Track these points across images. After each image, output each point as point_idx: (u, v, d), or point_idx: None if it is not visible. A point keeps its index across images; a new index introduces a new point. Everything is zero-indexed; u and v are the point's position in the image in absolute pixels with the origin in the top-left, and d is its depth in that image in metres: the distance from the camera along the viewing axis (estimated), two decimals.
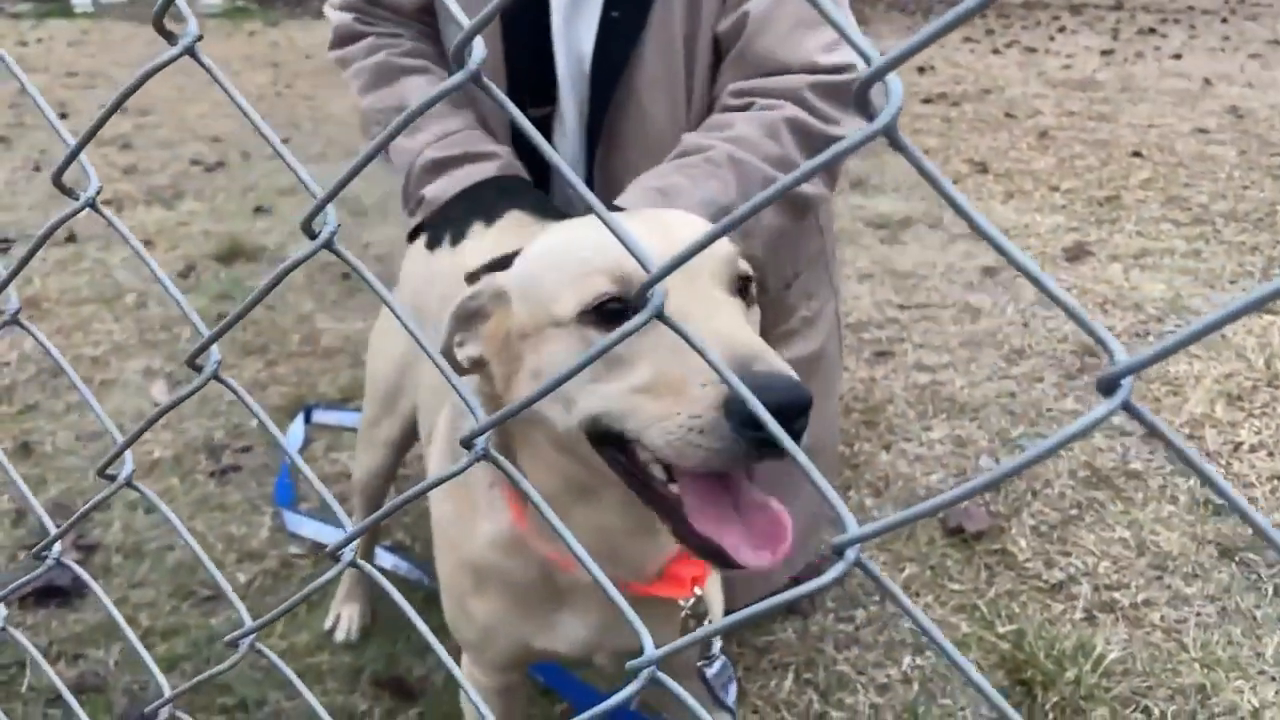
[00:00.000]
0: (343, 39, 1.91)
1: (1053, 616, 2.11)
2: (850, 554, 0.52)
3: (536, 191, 1.71)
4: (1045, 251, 4.10)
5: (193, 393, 0.90)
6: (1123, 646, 2.02)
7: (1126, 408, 0.43)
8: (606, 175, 1.77)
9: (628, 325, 0.57)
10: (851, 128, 1.73)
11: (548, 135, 1.82)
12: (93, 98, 7.37)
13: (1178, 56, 8.52)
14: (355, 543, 0.78)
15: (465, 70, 0.58)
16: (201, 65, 0.69)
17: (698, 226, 1.07)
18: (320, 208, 0.64)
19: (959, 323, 3.47)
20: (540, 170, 1.84)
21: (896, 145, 0.45)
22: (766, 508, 0.98)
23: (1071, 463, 2.61)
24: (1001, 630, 2.06)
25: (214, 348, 0.86)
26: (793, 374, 0.83)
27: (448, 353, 1.05)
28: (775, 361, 0.84)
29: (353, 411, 2.93)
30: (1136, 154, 5.41)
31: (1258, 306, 0.38)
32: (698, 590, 1.27)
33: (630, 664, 0.65)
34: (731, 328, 0.90)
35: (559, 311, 0.96)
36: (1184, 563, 2.24)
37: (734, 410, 0.83)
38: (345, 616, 2.15)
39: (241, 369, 3.21)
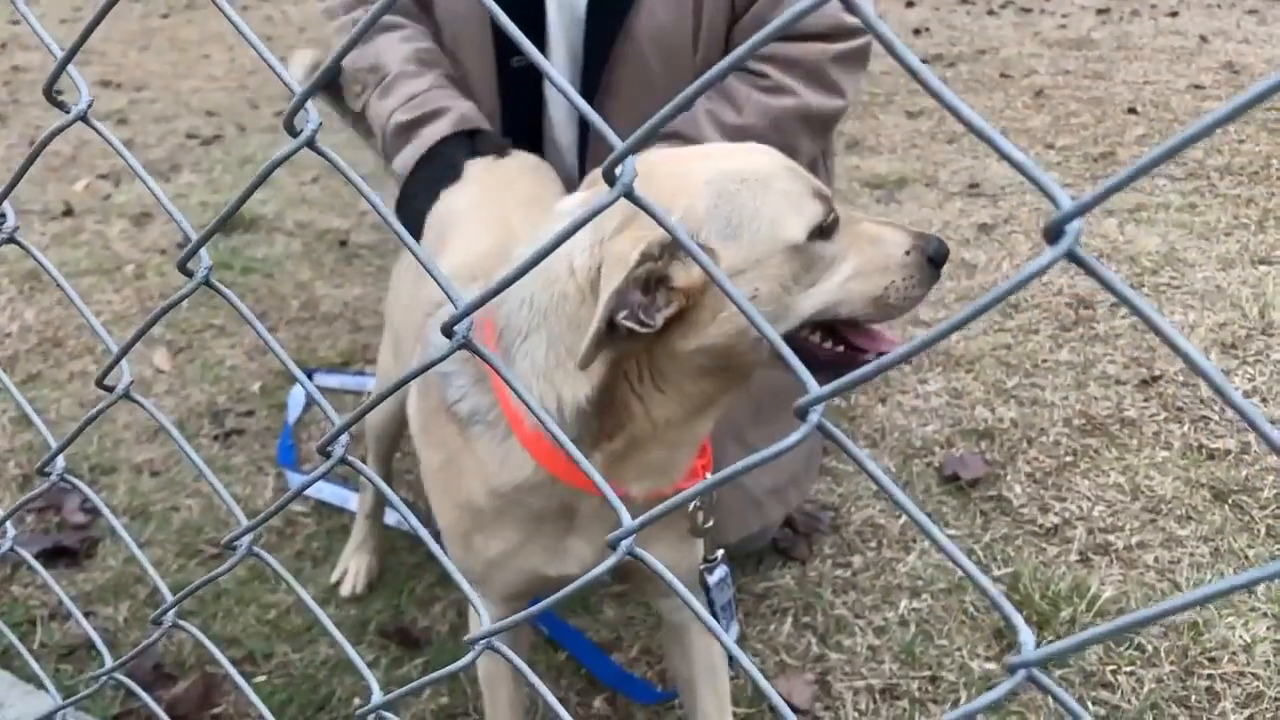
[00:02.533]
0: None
1: (1048, 559, 2.14)
2: (813, 416, 0.56)
3: (489, 135, 1.74)
4: (1041, 207, 4.11)
5: (185, 296, 0.93)
6: (1117, 586, 2.05)
7: (1072, 256, 0.44)
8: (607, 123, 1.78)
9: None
10: (851, 95, 1.78)
11: (535, 86, 1.83)
12: (86, 74, 7.27)
13: (1174, 14, 8.48)
14: (344, 439, 0.80)
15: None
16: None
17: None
18: (300, 104, 0.66)
19: (955, 278, 3.49)
20: (532, 126, 1.86)
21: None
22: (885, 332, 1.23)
23: (1066, 411, 2.63)
24: (997, 573, 2.10)
25: (204, 252, 0.90)
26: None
27: (600, 333, 1.03)
28: (916, 230, 1.17)
29: (353, 375, 2.96)
30: (1131, 111, 5.40)
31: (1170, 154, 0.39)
32: (707, 476, 1.34)
33: (610, 536, 0.70)
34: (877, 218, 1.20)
35: (791, 235, 1.09)
36: (1177, 506, 2.27)
37: (930, 259, 1.14)
38: (353, 570, 2.18)
39: (242, 335, 3.23)
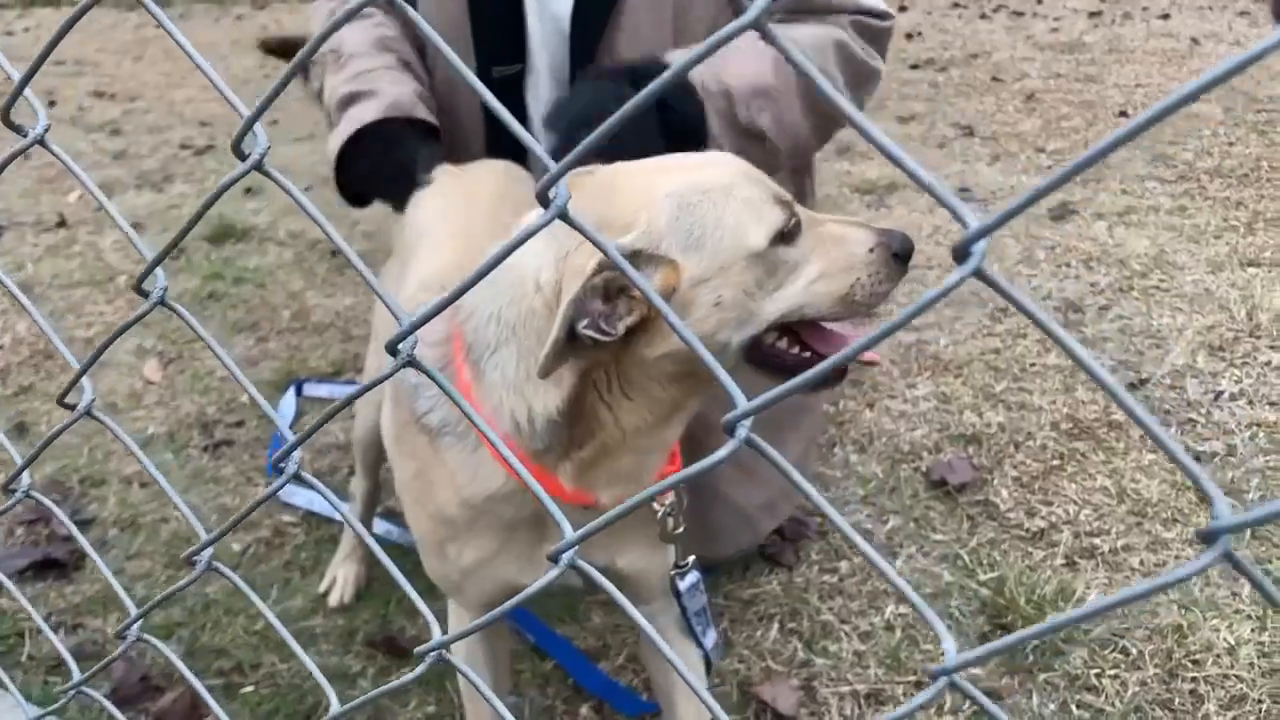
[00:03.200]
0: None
1: (1033, 563, 2.14)
2: (740, 431, 0.59)
3: (420, 123, 1.76)
4: (1030, 211, 4.12)
5: (140, 317, 0.94)
6: (1102, 589, 2.05)
7: (980, 274, 0.45)
8: None
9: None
10: (881, 68, 1.78)
11: (519, 94, 1.84)
12: (80, 85, 7.36)
13: (1165, 17, 8.51)
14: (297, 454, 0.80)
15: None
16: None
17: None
18: (248, 127, 0.66)
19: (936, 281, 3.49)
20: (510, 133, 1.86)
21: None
22: (848, 335, 1.25)
23: (1054, 415, 2.64)
24: (983, 578, 2.10)
25: (160, 273, 0.89)
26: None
27: (560, 343, 1.03)
28: (879, 224, 1.20)
29: (343, 384, 2.96)
30: (1123, 114, 5.42)
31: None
32: (676, 501, 1.37)
33: (550, 550, 0.72)
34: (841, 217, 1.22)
35: (753, 243, 1.10)
36: (1163, 508, 2.28)
37: (895, 255, 1.17)
38: (340, 580, 2.18)
39: (232, 346, 3.24)
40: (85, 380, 1.06)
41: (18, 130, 0.87)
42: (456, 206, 1.65)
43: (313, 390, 2.93)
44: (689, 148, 1.25)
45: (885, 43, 1.81)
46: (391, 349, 0.70)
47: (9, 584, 1.42)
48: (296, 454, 0.81)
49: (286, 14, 11.41)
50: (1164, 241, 3.71)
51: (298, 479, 0.82)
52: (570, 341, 1.04)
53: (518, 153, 1.82)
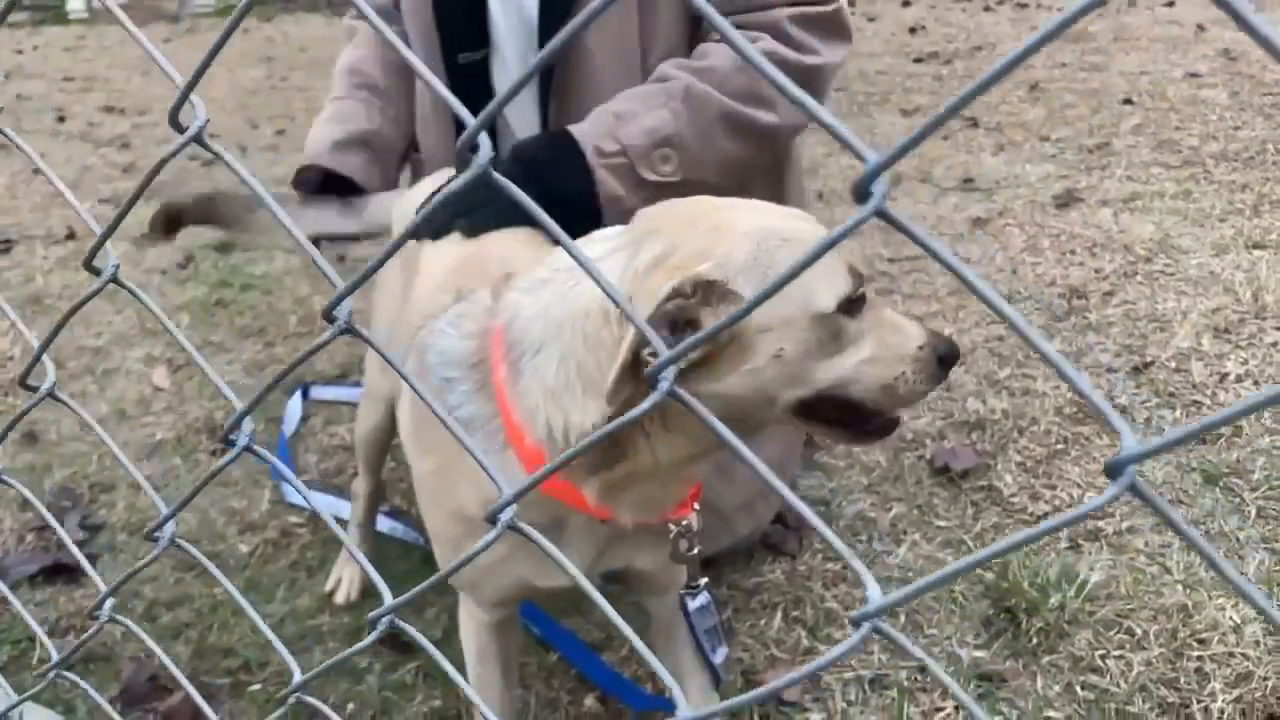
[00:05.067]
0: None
1: (1037, 547, 2.14)
2: (663, 384, 0.53)
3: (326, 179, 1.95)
4: (1035, 200, 4.11)
5: (95, 293, 0.95)
6: (1106, 571, 2.05)
7: (880, 214, 0.46)
8: (561, 119, 1.80)
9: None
10: (829, 58, 1.77)
11: (485, 79, 1.85)
12: (89, 101, 7.42)
13: (1170, 4, 8.46)
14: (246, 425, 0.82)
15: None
16: None
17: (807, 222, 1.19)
18: (183, 98, 0.67)
19: (948, 273, 3.48)
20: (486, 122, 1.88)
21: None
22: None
23: (1058, 400, 2.64)
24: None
25: (109, 247, 0.89)
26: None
27: (625, 367, 1.02)
28: (930, 328, 1.21)
29: (350, 387, 2.98)
30: (1127, 101, 5.40)
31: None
32: (696, 506, 1.39)
33: (489, 511, 0.74)
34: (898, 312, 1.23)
35: (822, 304, 1.09)
36: (1168, 490, 2.27)
37: (941, 360, 1.17)
38: (346, 579, 2.20)
39: (240, 351, 3.27)
40: (47, 361, 1.05)
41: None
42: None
43: (319, 393, 2.95)
44: (572, 214, 1.15)
45: (833, 28, 1.78)
46: (329, 315, 0.72)
47: (4, 589, 1.43)
48: (246, 425, 0.81)
49: (293, 25, 11.48)
50: (1169, 226, 3.69)
51: (249, 451, 0.82)
52: (632, 366, 1.02)
53: (494, 138, 1.84)
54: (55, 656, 1.43)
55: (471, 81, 1.86)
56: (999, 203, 4.13)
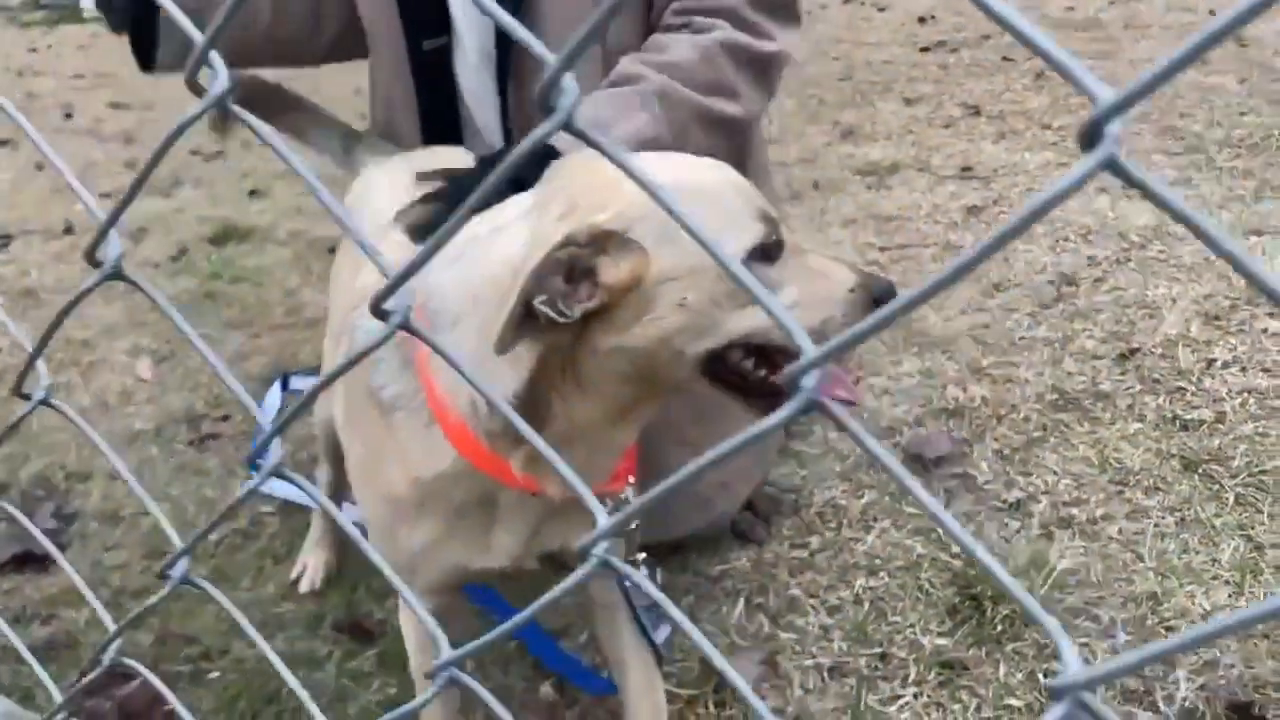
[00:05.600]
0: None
1: (1008, 534, 2.11)
2: (806, 383, 0.48)
3: None
4: (1032, 188, 4.06)
5: (92, 288, 0.88)
6: (1076, 558, 2.01)
7: (1111, 165, 0.37)
8: (520, 109, 1.79)
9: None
10: (786, 42, 1.76)
11: (447, 66, 1.84)
12: (97, 98, 7.45)
13: None
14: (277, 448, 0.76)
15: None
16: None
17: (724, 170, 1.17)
18: (203, 55, 0.63)
19: (938, 260, 3.46)
20: (449, 109, 1.86)
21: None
22: (832, 371, 1.24)
23: (1040, 387, 2.60)
24: (955, 550, 2.06)
25: (114, 237, 0.82)
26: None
27: (515, 315, 1.00)
28: (864, 270, 1.18)
29: None
30: None
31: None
32: (630, 480, 1.36)
33: (581, 543, 0.62)
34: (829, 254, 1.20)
35: (728, 252, 1.04)
36: (1145, 477, 2.23)
37: (876, 300, 1.11)
38: (311, 566, 2.19)
39: (225, 342, 3.26)
40: (40, 366, 1.03)
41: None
42: (402, 189, 1.65)
43: (299, 383, 2.94)
44: None
45: (787, 15, 1.77)
46: (378, 310, 0.62)
47: None
48: (277, 448, 0.76)
49: None
50: (1165, 214, 3.63)
51: (277, 474, 0.78)
52: (528, 319, 1.01)
53: (452, 133, 1.82)
54: (18, 644, 1.41)
55: (433, 69, 1.85)
56: (995, 190, 4.08)
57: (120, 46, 2.02)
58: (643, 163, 1.13)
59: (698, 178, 1.12)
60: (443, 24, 1.80)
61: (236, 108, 0.64)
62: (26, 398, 1.15)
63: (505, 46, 1.74)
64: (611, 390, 1.13)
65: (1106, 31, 6.95)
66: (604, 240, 1.03)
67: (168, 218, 4.65)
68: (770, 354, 1.13)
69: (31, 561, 2.29)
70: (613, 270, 1.03)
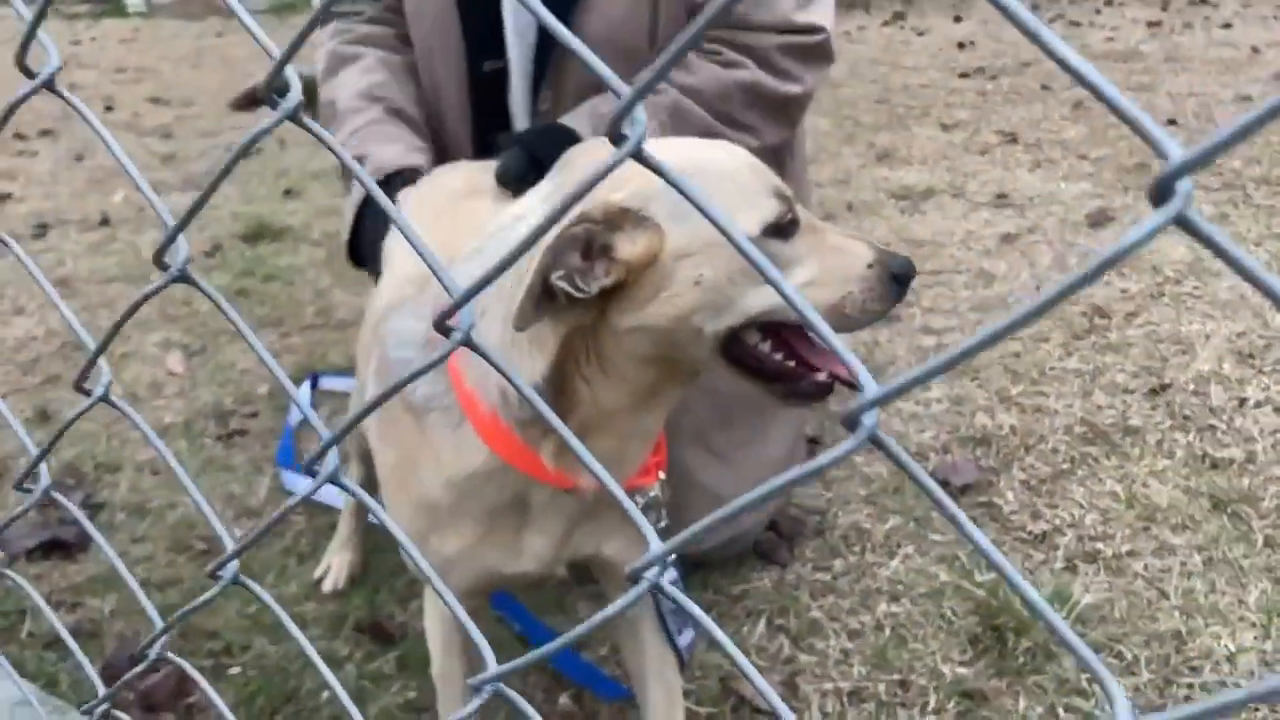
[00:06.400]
0: (325, 18, 1.96)
1: (1032, 565, 2.10)
2: (867, 420, 0.47)
3: (408, 173, 1.79)
4: (1067, 218, 4.05)
5: (159, 289, 0.89)
6: (1100, 593, 2.00)
7: (1181, 220, 0.38)
8: (553, 112, 1.80)
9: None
10: (810, 85, 1.78)
11: (503, 90, 1.86)
12: (138, 91, 7.54)
13: (1228, 26, 8.32)
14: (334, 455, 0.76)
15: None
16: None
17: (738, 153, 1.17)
18: (279, 70, 0.64)
19: (971, 288, 3.44)
20: (499, 126, 1.89)
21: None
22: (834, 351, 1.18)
23: (1069, 419, 2.58)
24: (979, 579, 2.06)
25: (183, 242, 0.83)
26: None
27: (534, 290, 1.01)
28: (882, 247, 1.17)
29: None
30: (1171, 122, 5.30)
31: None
32: (661, 475, 1.36)
33: (631, 568, 0.61)
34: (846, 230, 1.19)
35: (742, 228, 1.07)
36: (1173, 514, 2.21)
37: (894, 277, 1.13)
38: (335, 566, 2.20)
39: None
40: (102, 364, 1.05)
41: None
42: (429, 206, 1.66)
43: (328, 384, 2.96)
44: None
45: (819, 58, 1.80)
46: (442, 327, 0.64)
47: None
48: (331, 457, 0.77)
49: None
50: (1201, 249, 3.60)
51: (333, 480, 0.78)
52: (548, 298, 1.03)
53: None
54: (62, 630, 1.43)
55: (489, 91, 1.88)
56: (1030, 219, 4.06)
57: (161, 43, 2.03)
58: (654, 143, 1.15)
59: (711, 156, 1.13)
60: (501, 47, 1.82)
61: (308, 119, 0.65)
62: (86, 393, 1.16)
63: (540, 63, 1.77)
64: (634, 372, 1.14)
65: (1146, 64, 6.92)
66: (619, 217, 1.04)
67: (203, 214, 4.66)
68: (788, 339, 1.15)
69: (58, 549, 2.31)
70: (629, 246, 1.04)
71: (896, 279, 1.13)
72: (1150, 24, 8.64)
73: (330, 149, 0.66)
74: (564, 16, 1.70)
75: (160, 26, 11.30)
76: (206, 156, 5.74)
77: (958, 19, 9.31)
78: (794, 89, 1.74)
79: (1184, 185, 0.37)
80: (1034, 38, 0.39)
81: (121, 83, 7.94)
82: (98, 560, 2.28)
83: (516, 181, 1.53)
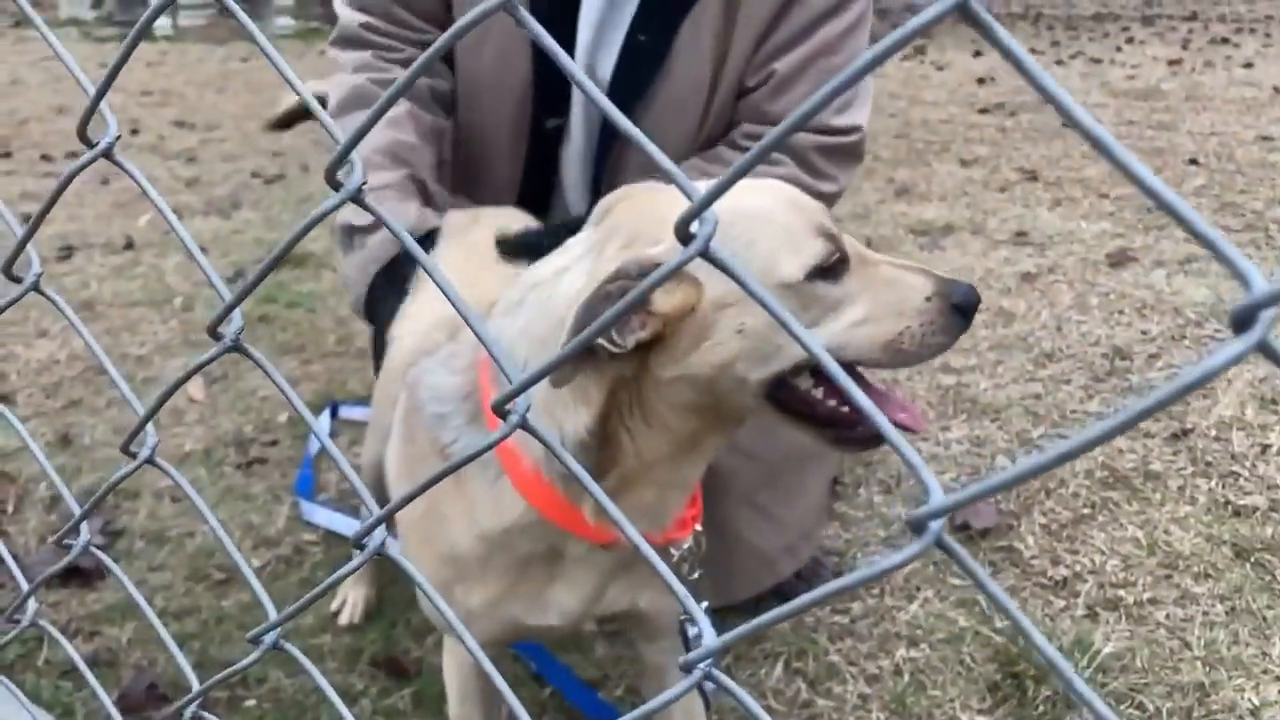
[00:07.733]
0: (345, 40, 1.95)
1: (1053, 612, 2.08)
2: (934, 526, 0.49)
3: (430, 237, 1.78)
4: (1088, 258, 4.04)
5: (211, 359, 0.91)
6: (1122, 642, 1.98)
7: (1263, 348, 0.38)
8: (613, 183, 1.82)
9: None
10: (844, 183, 1.82)
11: (557, 149, 1.88)
12: (163, 115, 7.60)
13: (1249, 65, 8.34)
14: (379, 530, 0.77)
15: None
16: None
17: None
18: (349, 150, 0.65)
19: (990, 326, 3.44)
20: (545, 188, 1.91)
21: None
22: (893, 392, 1.20)
23: (1089, 463, 2.57)
24: (999, 625, 2.04)
25: (237, 314, 0.85)
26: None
27: (572, 355, 1.04)
28: (942, 272, 1.14)
29: None
30: (1193, 161, 5.30)
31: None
32: (697, 528, 1.34)
33: (684, 660, 0.62)
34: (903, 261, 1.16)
35: (785, 274, 1.06)
36: (1196, 562, 2.20)
37: (956, 307, 1.09)
38: (351, 600, 2.20)
39: (277, 366, 3.29)
40: (149, 428, 1.06)
41: (89, 144, 0.84)
42: (460, 253, 1.67)
43: (347, 413, 2.97)
44: None
45: (853, 158, 1.84)
46: (500, 410, 0.66)
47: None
48: (380, 530, 0.79)
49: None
50: (1223, 291, 3.60)
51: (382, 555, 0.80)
52: (586, 353, 1.03)
53: (542, 202, 1.86)
54: (78, 660, 1.44)
55: (545, 151, 1.90)
56: (1050, 258, 4.06)
57: (186, 67, 2.04)
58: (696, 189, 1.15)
59: (753, 202, 1.11)
60: (565, 104, 1.84)
61: (369, 201, 0.67)
62: (132, 455, 1.17)
63: (607, 141, 1.79)
64: (677, 421, 1.13)
65: (1167, 102, 6.93)
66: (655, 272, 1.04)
67: (225, 239, 4.72)
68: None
69: (77, 576, 2.31)
70: (665, 300, 1.03)
71: (959, 309, 1.09)
72: (1171, 62, 8.66)
73: (386, 225, 0.67)
74: (649, 78, 1.73)
75: (186, 50, 11.42)
76: (229, 181, 5.78)
77: (978, 54, 9.34)
78: (829, 188, 1.77)
79: (1268, 314, 0.37)
80: (1100, 147, 0.39)
81: (147, 105, 8.01)
82: (116, 588, 2.28)
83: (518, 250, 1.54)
